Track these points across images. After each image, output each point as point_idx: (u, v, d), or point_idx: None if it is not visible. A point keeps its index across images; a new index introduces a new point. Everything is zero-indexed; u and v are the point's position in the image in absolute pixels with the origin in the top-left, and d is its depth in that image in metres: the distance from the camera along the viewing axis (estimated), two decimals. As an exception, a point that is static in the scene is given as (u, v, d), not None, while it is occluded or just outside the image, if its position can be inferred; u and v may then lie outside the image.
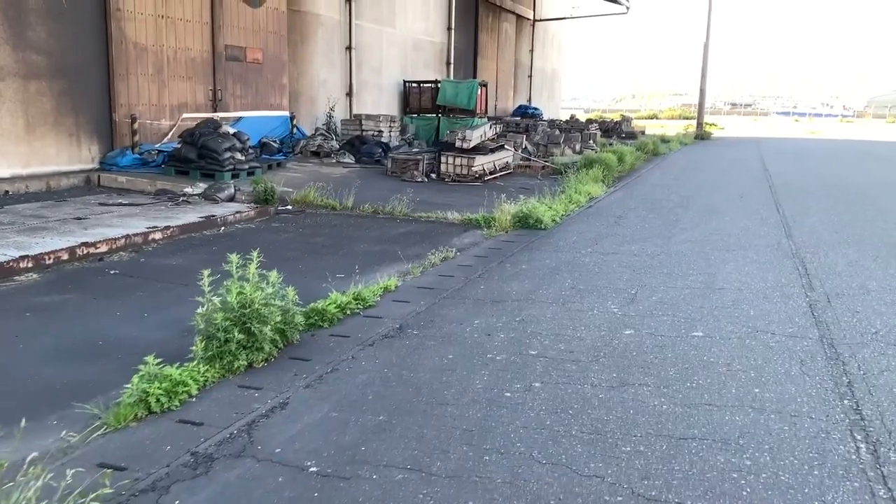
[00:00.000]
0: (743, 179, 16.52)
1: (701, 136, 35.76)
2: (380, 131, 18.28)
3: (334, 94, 19.23)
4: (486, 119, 22.77)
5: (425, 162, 14.26)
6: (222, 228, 9.05)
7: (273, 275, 4.76)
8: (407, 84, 22.91)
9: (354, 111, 20.00)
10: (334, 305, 5.43)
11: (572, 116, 38.38)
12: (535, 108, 34.27)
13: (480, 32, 29.82)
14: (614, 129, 33.28)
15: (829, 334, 5.18)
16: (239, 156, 12.27)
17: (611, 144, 23.78)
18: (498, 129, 24.35)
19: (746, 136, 40.14)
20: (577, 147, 21.50)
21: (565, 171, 16.31)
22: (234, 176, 12.20)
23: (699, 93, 37.36)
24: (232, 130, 12.73)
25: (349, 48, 19.78)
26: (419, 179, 13.74)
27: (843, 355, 4.72)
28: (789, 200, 12.80)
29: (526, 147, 20.15)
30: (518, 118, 30.27)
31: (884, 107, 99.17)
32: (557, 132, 21.34)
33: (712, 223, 10.24)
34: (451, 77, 26.25)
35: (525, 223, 9.66)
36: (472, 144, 14.32)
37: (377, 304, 5.83)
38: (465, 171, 14.13)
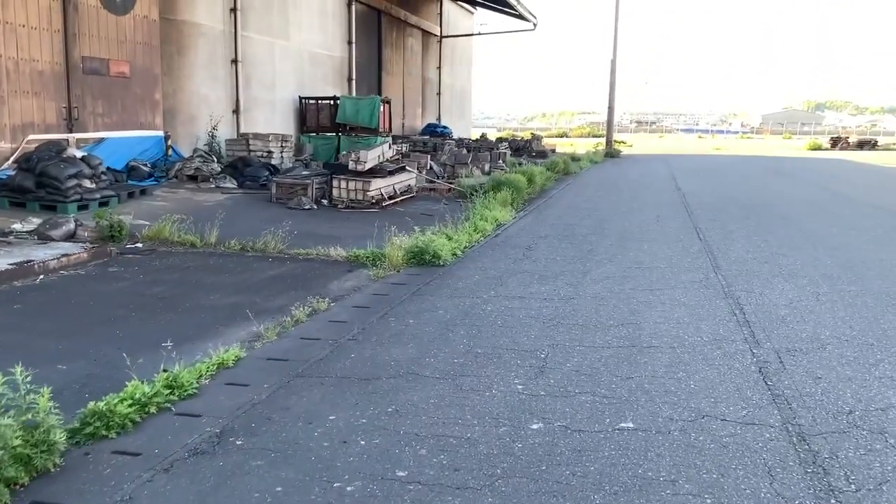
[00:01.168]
0: (657, 200, 15.69)
1: (611, 153, 35.52)
2: (269, 152, 16.63)
3: (218, 111, 17.43)
4: (388, 138, 21.43)
5: (315, 186, 12.72)
6: (41, 277, 7.25)
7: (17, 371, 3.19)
8: (304, 101, 21.32)
9: (243, 130, 18.25)
10: (130, 401, 3.86)
11: (483, 135, 37.59)
12: (445, 127, 33.20)
13: (384, 47, 28.52)
14: (525, 148, 32.57)
15: (794, 418, 3.97)
16: (88, 183, 10.43)
17: (521, 164, 22.84)
18: (403, 147, 23.03)
19: (654, 153, 40.29)
20: (487, 167, 20.39)
21: (472, 194, 15.09)
22: (83, 207, 10.36)
23: (608, 110, 37.19)
24: (80, 153, 10.87)
25: (235, 61, 18.05)
26: (307, 207, 12.18)
27: (821, 455, 3.50)
28: (708, 223, 11.90)
29: (432, 168, 18.90)
30: (427, 137, 29.10)
31: (778, 123, 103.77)
32: (465, 152, 20.18)
33: (630, 253, 9.12)
34: (354, 93, 24.80)
35: (421, 259, 8.27)
36: (368, 166, 12.88)
37: (201, 390, 4.28)
38: (360, 197, 12.66)
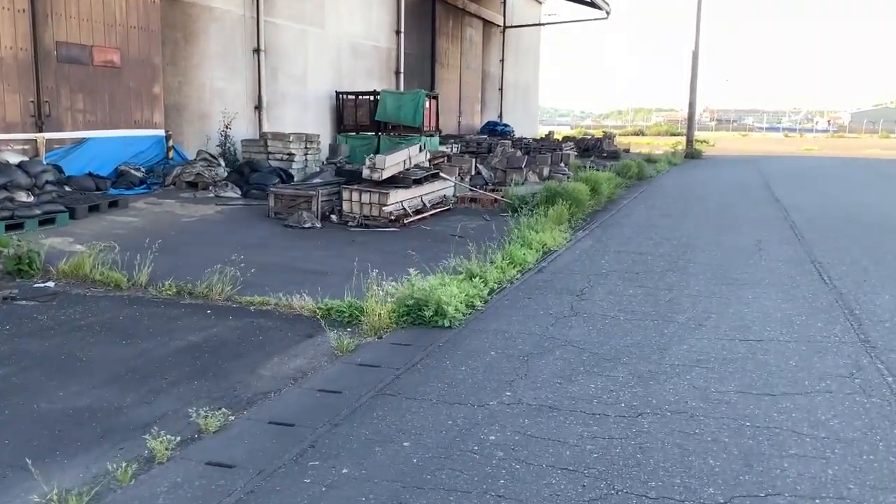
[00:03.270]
0: (753, 215, 12.64)
1: (691, 154, 32.06)
2: (290, 154, 14.33)
3: (236, 107, 15.27)
4: (434, 137, 18.94)
5: (321, 198, 10.29)
6: None
7: None
8: (340, 96, 19.02)
9: (267, 129, 16.05)
10: None
11: (549, 134, 34.72)
12: (506, 126, 30.48)
13: (439, 38, 26.02)
14: (594, 148, 29.53)
15: None
16: (23, 196, 8.27)
17: (588, 167, 19.94)
18: (453, 149, 20.50)
19: (739, 154, 36.50)
20: (545, 172, 17.62)
21: (521, 207, 12.42)
22: (16, 227, 8.19)
23: (688, 106, 33.71)
24: (15, 159, 8.72)
25: (258, 50, 15.85)
26: (307, 225, 9.75)
27: None
28: (829, 254, 8.91)
29: (479, 173, 16.27)
30: (484, 136, 26.50)
31: (869, 122, 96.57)
32: (519, 154, 17.46)
33: (729, 309, 6.31)
34: (402, 88, 22.39)
35: (417, 316, 5.70)
36: (386, 174, 10.37)
37: None
38: (376, 212, 10.17)
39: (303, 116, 17.79)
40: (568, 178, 16.62)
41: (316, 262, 7.85)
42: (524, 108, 37.34)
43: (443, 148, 20.22)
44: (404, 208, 10.52)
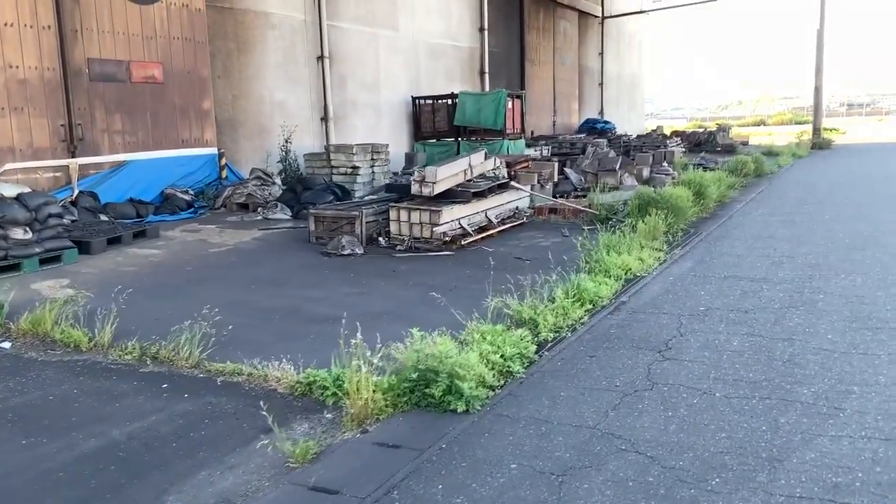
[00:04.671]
0: (902, 219, 10.24)
1: (819, 144, 28.67)
2: (354, 167, 13.10)
3: (299, 119, 14.23)
4: (519, 140, 17.30)
5: (366, 220, 8.88)
6: None
7: None
8: (417, 101, 17.70)
9: (335, 140, 14.93)
10: None
11: (656, 129, 32.22)
12: (606, 122, 28.35)
13: (528, 33, 24.28)
14: (707, 142, 26.92)
15: None
16: (19, 233, 7.32)
17: (697, 166, 17.66)
18: (543, 151, 18.74)
19: (875, 143, 32.52)
20: (645, 172, 15.55)
21: (608, 219, 10.60)
22: (11, 268, 7.25)
23: (814, 91, 30.25)
24: (12, 192, 7.81)
25: (322, 58, 14.76)
26: (346, 251, 8.36)
27: None
28: None
29: (567, 177, 14.51)
30: (582, 135, 24.56)
31: None
32: (612, 154, 15.50)
33: (880, 374, 4.35)
34: (487, 89, 20.85)
35: (425, 395, 4.14)
36: (439, 189, 8.85)
37: None
38: (428, 233, 8.67)
39: (376, 125, 16.58)
40: (672, 178, 14.55)
41: (334, 303, 6.41)
42: (629, 102, 34.88)
43: (529, 151, 18.56)
44: (462, 227, 8.95)
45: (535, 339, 5.24)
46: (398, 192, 9.58)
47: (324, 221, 9.04)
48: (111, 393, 4.52)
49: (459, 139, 17.18)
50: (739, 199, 13.29)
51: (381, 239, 8.96)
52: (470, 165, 9.67)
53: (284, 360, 4.66)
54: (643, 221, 9.11)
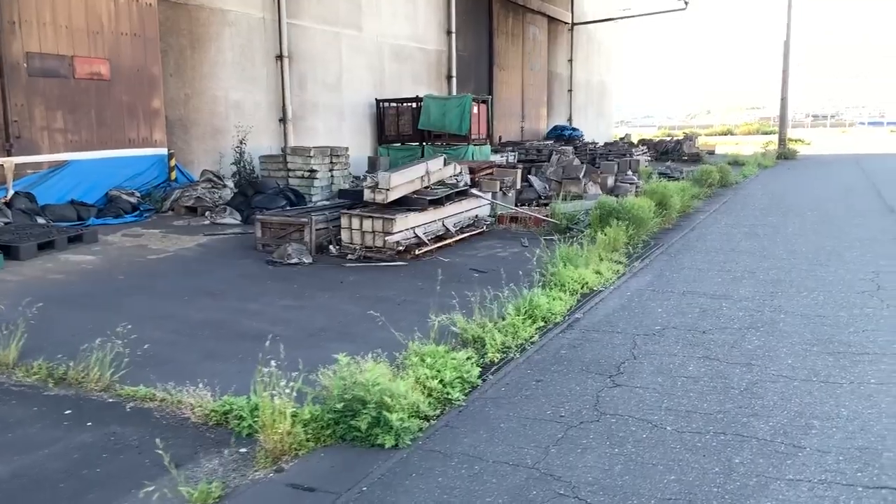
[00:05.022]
0: (863, 233, 10.10)
1: (784, 154, 28.82)
2: (311, 171, 12.68)
3: (256, 120, 13.77)
4: (484, 146, 17.01)
5: (315, 227, 8.48)
6: None
7: None
8: (381, 104, 17.32)
9: (294, 142, 14.50)
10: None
11: (624, 137, 32.24)
12: (574, 129, 28.24)
13: (497, 37, 24.04)
14: (673, 151, 26.93)
15: None
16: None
17: (662, 175, 17.54)
18: (509, 158, 18.48)
19: (840, 153, 32.85)
20: (610, 181, 15.33)
21: (569, 228, 10.33)
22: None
23: (780, 102, 30.47)
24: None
25: (281, 56, 14.31)
26: (292, 260, 7.95)
27: None
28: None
29: (531, 185, 14.23)
30: (549, 142, 24.37)
31: None
32: (577, 162, 15.26)
33: (842, 406, 4.09)
34: (455, 93, 20.53)
35: (350, 426, 3.76)
36: (393, 196, 8.49)
37: None
38: (381, 242, 8.29)
39: (338, 128, 16.17)
40: (637, 187, 14.35)
41: (271, 317, 6.01)
42: (597, 110, 34.85)
43: (496, 157, 18.28)
44: (417, 236, 8.59)
45: (482, 359, 4.92)
46: (351, 198, 9.19)
47: (271, 228, 8.63)
48: (5, 420, 4.08)
49: (424, 143, 16.83)
50: (703, 209, 13.12)
51: (331, 247, 8.56)
52: (427, 172, 9.33)
53: (203, 383, 4.25)
54: (603, 233, 8.85)
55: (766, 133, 57.46)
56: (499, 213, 11.31)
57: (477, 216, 10.40)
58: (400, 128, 17.15)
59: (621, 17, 33.95)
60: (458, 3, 20.77)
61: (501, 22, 24.27)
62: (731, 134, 69.31)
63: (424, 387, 4.22)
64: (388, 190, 8.30)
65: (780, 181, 18.99)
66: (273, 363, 3.79)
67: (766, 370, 4.65)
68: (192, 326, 5.77)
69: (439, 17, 20.13)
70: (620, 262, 8.24)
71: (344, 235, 8.44)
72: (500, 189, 12.23)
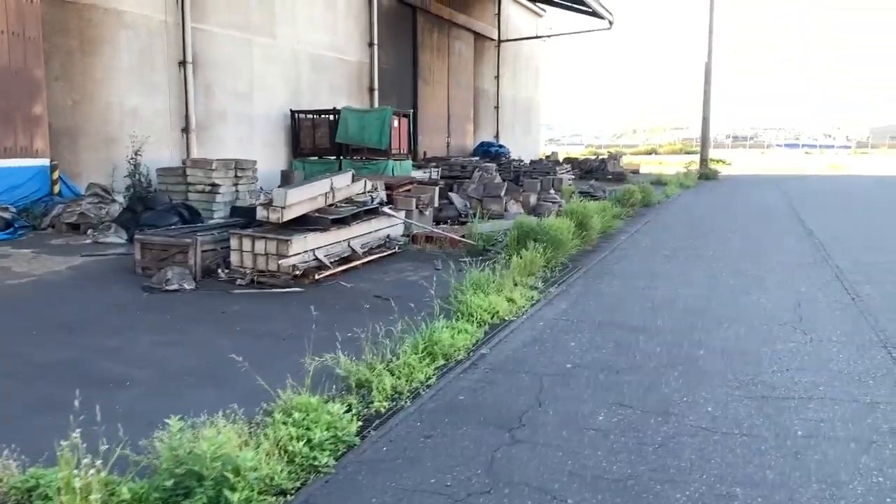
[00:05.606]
0: (784, 257, 9.90)
1: (706, 174, 29.28)
2: (213, 185, 11.80)
3: (155, 129, 12.80)
4: (405, 161, 16.41)
5: (201, 248, 7.65)
6: None
7: None
8: (296, 115, 16.52)
9: (199, 154, 13.55)
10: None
11: (552, 154, 32.24)
12: (501, 146, 27.96)
13: (422, 51, 23.55)
14: (598, 170, 26.93)
15: None
16: None
17: (584, 194, 17.28)
18: (433, 174, 17.92)
19: (759, 174, 33.70)
20: (533, 199, 14.95)
21: (486, 251, 9.80)
22: None
23: (702, 122, 31.00)
24: None
25: (184, 63, 13.38)
26: (172, 286, 7.11)
27: None
28: (905, 326, 6.18)
29: (452, 203, 13.70)
30: (475, 158, 23.95)
31: (890, 137, 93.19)
32: (498, 180, 14.82)
33: (767, 466, 3.58)
34: (377, 106, 19.87)
35: (184, 507, 3.03)
36: (289, 215, 7.75)
37: None
38: (275, 266, 7.52)
39: (248, 139, 15.29)
40: (559, 206, 13.98)
41: (130, 357, 5.19)
42: (525, 127, 34.77)
43: (418, 173, 17.71)
44: (318, 258, 7.86)
45: (366, 410, 4.25)
46: (246, 216, 8.40)
47: (152, 249, 7.75)
48: None
49: (342, 158, 16.11)
50: (625, 229, 12.80)
51: (220, 271, 7.74)
52: (332, 188, 8.62)
53: (15, 447, 3.43)
54: (519, 256, 8.33)
55: (688, 153, 58.98)
56: (414, 232, 10.70)
57: (389, 236, 9.74)
58: (316, 141, 16.38)
59: (548, 36, 34.06)
60: (380, 15, 20.18)
61: (426, 36, 23.80)
62: (656, 153, 71.02)
63: (286, 451, 3.52)
64: (283, 208, 7.56)
65: (702, 202, 19.02)
66: (99, 419, 3.03)
67: (684, 420, 4.12)
68: (32, 368, 4.91)
69: (361, 28, 19.48)
70: (536, 288, 7.71)
71: (234, 258, 7.65)
72: (417, 207, 11.63)
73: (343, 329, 5.53)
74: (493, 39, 29.70)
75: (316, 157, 16.60)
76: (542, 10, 34.05)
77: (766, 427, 4.00)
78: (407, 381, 4.71)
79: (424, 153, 23.53)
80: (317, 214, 8.17)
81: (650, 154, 69.46)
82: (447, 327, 5.80)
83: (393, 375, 4.73)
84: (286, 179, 14.99)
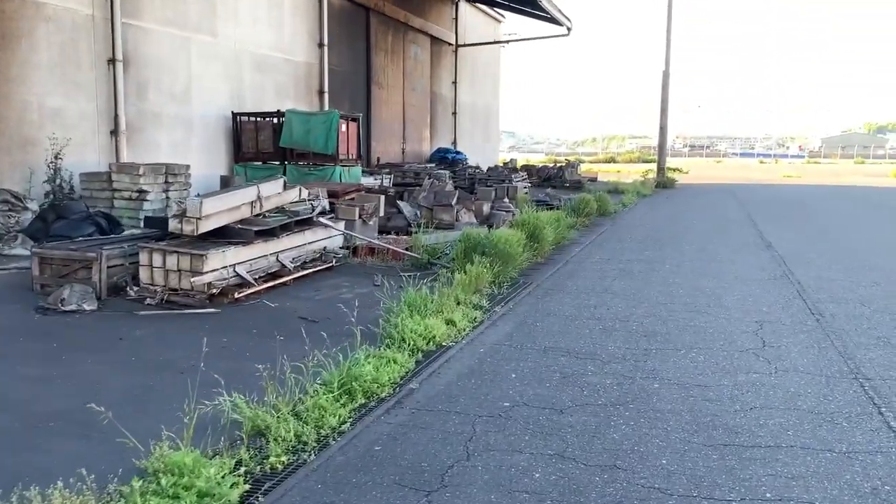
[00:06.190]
0: (743, 271, 9.44)
1: (663, 183, 29.09)
2: (140, 192, 10.96)
3: (81, 131, 11.88)
4: (355, 167, 15.71)
5: (108, 264, 6.85)
6: None
7: None
8: (238, 118, 15.68)
9: (129, 158, 12.65)
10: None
11: (509, 162, 31.76)
12: (458, 153, 27.38)
13: (375, 54, 22.85)
14: (556, 178, 26.51)
15: None
16: None
17: (540, 203, 16.76)
18: (384, 181, 17.24)
19: (715, 183, 33.68)
20: (486, 208, 14.34)
21: (431, 264, 9.18)
22: None
23: (659, 131, 30.85)
24: None
25: (114, 60, 12.47)
26: (70, 307, 6.31)
27: None
28: (871, 346, 5.68)
29: (401, 212, 13.03)
30: (432, 165, 23.33)
31: (840, 147, 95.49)
32: (449, 188, 14.20)
33: None
34: (326, 110, 19.07)
35: None
36: (205, 226, 6.99)
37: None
38: (189, 284, 6.75)
39: (185, 143, 14.40)
40: (514, 215, 13.40)
41: (-7, 397, 4.40)
42: (483, 134, 34.25)
43: (369, 180, 17.01)
44: (239, 275, 7.11)
45: (259, 466, 3.55)
46: (162, 227, 7.60)
47: (52, 264, 6.93)
48: None
49: (287, 163, 15.31)
50: (579, 240, 12.28)
51: (129, 289, 6.94)
52: (259, 197, 7.88)
53: None
54: (464, 271, 7.69)
55: (646, 161, 59.30)
56: (355, 244, 10.01)
57: (325, 249, 9.02)
58: (259, 145, 15.55)
59: (507, 41, 33.66)
60: (331, 14, 19.42)
61: (380, 38, 23.11)
62: (614, 161, 71.35)
63: (137, 534, 2.81)
64: (198, 219, 6.80)
65: (659, 211, 18.65)
66: None
67: (635, 477, 3.50)
68: None
69: (309, 28, 18.70)
70: (481, 307, 7.09)
71: (143, 274, 6.85)
72: (360, 217, 10.91)
73: (254, 358, 4.87)
74: (450, 44, 29.13)
75: (260, 163, 15.77)
76: (501, 15, 33.61)
77: (729, 487, 3.40)
78: (315, 427, 4.03)
79: (378, 159, 22.82)
80: (239, 226, 7.42)
81: (609, 162, 69.78)
82: (375, 356, 5.14)
83: (301, 420, 4.06)
84: (226, 185, 14.13)
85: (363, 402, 4.49)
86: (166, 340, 5.71)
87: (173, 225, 6.91)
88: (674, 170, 38.49)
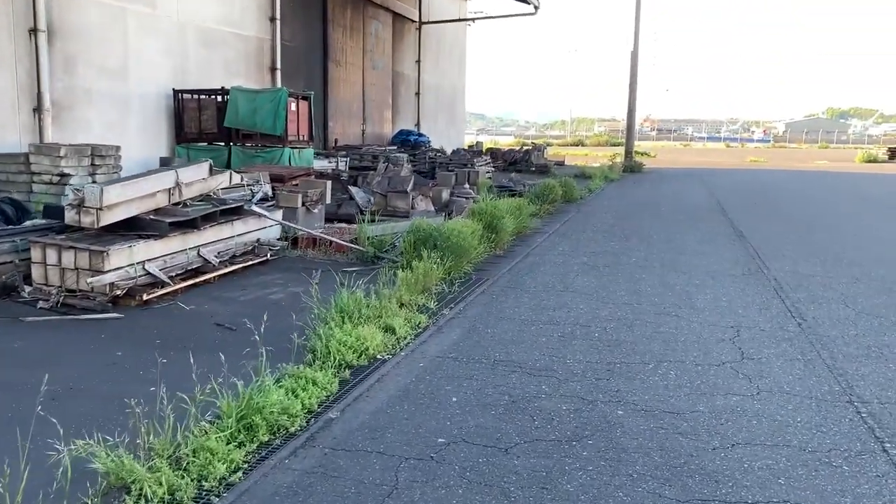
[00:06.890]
0: (715, 265, 8.76)
1: (631, 167, 28.49)
2: (62, 176, 9.90)
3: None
4: (307, 149, 14.76)
5: (-7, 262, 5.90)
6: None
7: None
8: (180, 95, 14.60)
9: (56, 138, 11.56)
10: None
11: (474, 145, 30.97)
12: (421, 135, 26.44)
13: (333, 30, 21.78)
14: (522, 161, 25.79)
15: None
16: None
17: (502, 188, 16.01)
18: (340, 164, 16.33)
19: (683, 167, 33.19)
20: (445, 194, 13.53)
21: (377, 258, 8.36)
22: None
23: (627, 113, 30.22)
24: None
25: (36, 31, 11.34)
26: (-60, 314, 5.36)
27: None
28: (861, 356, 5.01)
29: (353, 198, 12.18)
30: (394, 147, 22.40)
31: (803, 131, 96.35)
32: (405, 173, 13.34)
33: None
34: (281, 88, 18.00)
35: None
36: (108, 218, 6.08)
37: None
38: (88, 284, 5.84)
39: (121, 122, 13.31)
40: (474, 202, 12.61)
41: None
42: (448, 116, 33.32)
43: (323, 163, 16.11)
44: (150, 273, 6.21)
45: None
46: (57, 219, 6.66)
47: (-73, 262, 5.96)
48: None
49: (232, 144, 14.31)
50: (542, 229, 11.53)
51: (21, 291, 6.01)
52: (178, 183, 6.97)
53: None
54: (411, 268, 6.89)
55: (614, 144, 58.85)
56: (296, 235, 9.13)
57: (259, 241, 8.14)
58: (202, 124, 14.51)
59: (472, 19, 32.70)
60: (284, -14, 18.32)
61: (338, 13, 22.03)
62: (583, 145, 70.88)
63: None
64: (99, 209, 5.88)
65: (626, 198, 17.97)
66: None
67: (591, 553, 2.74)
68: None
69: (260, 1, 17.59)
70: (427, 310, 6.31)
71: (36, 273, 5.93)
72: (304, 204, 10.03)
73: (147, 380, 4.03)
74: (413, 21, 28.09)
75: (205, 143, 14.74)
76: (465, -8, 32.67)
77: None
78: (196, 480, 3.21)
79: (336, 141, 21.84)
80: (152, 217, 6.52)
81: (577, 145, 69.30)
82: (292, 376, 4.34)
83: (180, 470, 3.23)
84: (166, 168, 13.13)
85: (266, 439, 3.68)
86: (50, 354, 4.82)
87: (70, 216, 5.98)
88: (642, 154, 38.01)
